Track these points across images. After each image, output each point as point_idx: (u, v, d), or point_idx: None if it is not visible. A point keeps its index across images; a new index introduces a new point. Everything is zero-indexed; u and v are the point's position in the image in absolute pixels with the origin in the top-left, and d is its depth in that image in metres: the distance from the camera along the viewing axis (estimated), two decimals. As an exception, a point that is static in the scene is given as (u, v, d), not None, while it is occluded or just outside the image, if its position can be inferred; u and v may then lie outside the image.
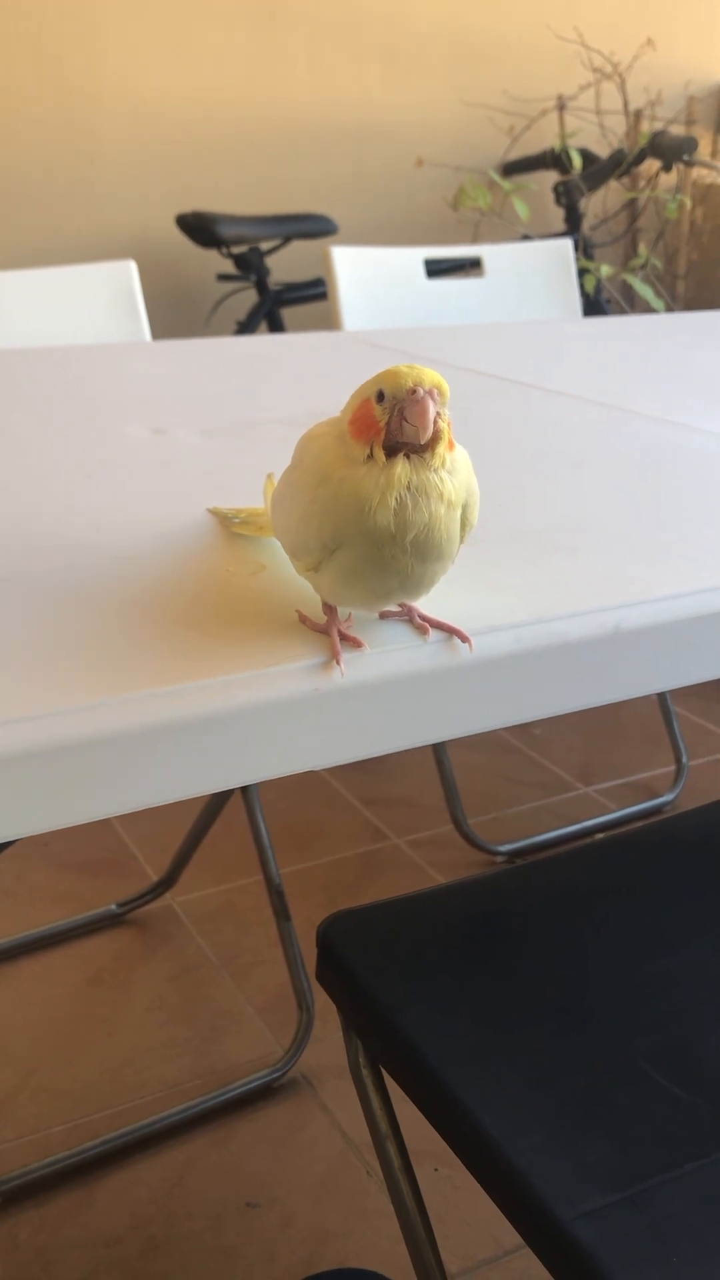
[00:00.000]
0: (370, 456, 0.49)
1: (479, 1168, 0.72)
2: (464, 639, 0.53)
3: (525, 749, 2.14)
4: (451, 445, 0.50)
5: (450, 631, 0.53)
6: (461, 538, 0.52)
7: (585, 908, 0.94)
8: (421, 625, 0.54)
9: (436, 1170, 1.22)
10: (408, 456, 0.49)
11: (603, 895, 0.96)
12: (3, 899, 1.69)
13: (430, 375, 0.49)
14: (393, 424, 0.49)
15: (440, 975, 0.85)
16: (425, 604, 0.55)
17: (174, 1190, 1.23)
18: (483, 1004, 0.83)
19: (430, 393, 0.49)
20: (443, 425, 0.49)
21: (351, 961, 0.85)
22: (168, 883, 1.67)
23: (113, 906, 1.65)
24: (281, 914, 1.40)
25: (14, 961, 1.57)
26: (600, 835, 1.88)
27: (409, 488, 0.49)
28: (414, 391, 0.48)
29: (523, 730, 2.18)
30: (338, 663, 0.50)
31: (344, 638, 0.52)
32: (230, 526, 0.69)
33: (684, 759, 2.01)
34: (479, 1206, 1.19)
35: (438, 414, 0.49)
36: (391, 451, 0.49)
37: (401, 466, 0.49)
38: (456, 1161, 0.73)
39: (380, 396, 0.49)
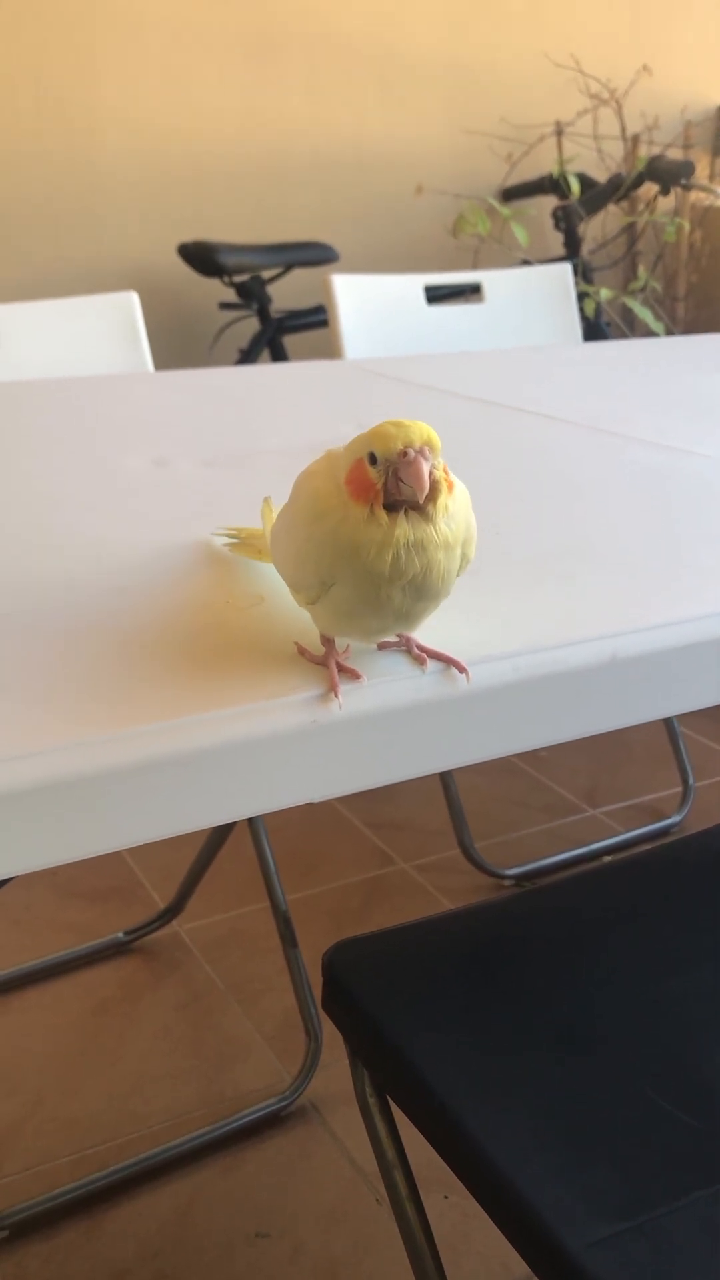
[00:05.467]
0: (372, 515, 0.50)
1: (486, 1197, 0.72)
2: (461, 669, 0.53)
3: (531, 771, 2.13)
4: (451, 487, 0.51)
5: (448, 662, 0.54)
6: (460, 572, 0.52)
7: (592, 933, 0.94)
8: (419, 656, 0.54)
9: (446, 1198, 1.22)
10: (407, 513, 0.50)
11: (609, 920, 0.96)
12: (10, 928, 1.69)
13: (419, 432, 0.49)
14: (389, 485, 0.49)
15: (446, 1002, 0.85)
16: (422, 634, 0.56)
17: (182, 1220, 1.23)
18: (489, 1031, 0.83)
19: (421, 451, 0.49)
20: (439, 476, 0.50)
21: (357, 990, 0.85)
22: (174, 910, 1.67)
23: (119, 934, 1.65)
24: (288, 941, 1.40)
25: (21, 991, 1.57)
26: (607, 858, 1.88)
27: (409, 540, 0.49)
28: (405, 453, 0.49)
29: (528, 753, 2.17)
30: (335, 695, 0.51)
31: (342, 669, 0.52)
32: (227, 547, 0.70)
33: (690, 780, 2.01)
34: (489, 1234, 1.19)
35: (432, 467, 0.49)
36: (391, 508, 0.50)
37: (402, 527, 0.49)
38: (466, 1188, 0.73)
39: (373, 459, 0.50)
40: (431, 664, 0.54)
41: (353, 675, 0.52)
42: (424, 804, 1.99)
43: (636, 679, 0.57)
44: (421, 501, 0.49)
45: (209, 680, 0.52)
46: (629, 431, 1.06)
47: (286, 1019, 1.50)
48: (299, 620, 0.58)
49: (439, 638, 0.55)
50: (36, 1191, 1.25)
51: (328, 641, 0.54)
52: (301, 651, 0.55)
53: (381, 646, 0.56)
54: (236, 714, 0.49)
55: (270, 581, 0.66)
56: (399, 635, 0.55)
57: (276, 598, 0.63)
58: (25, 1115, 1.36)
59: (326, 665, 0.53)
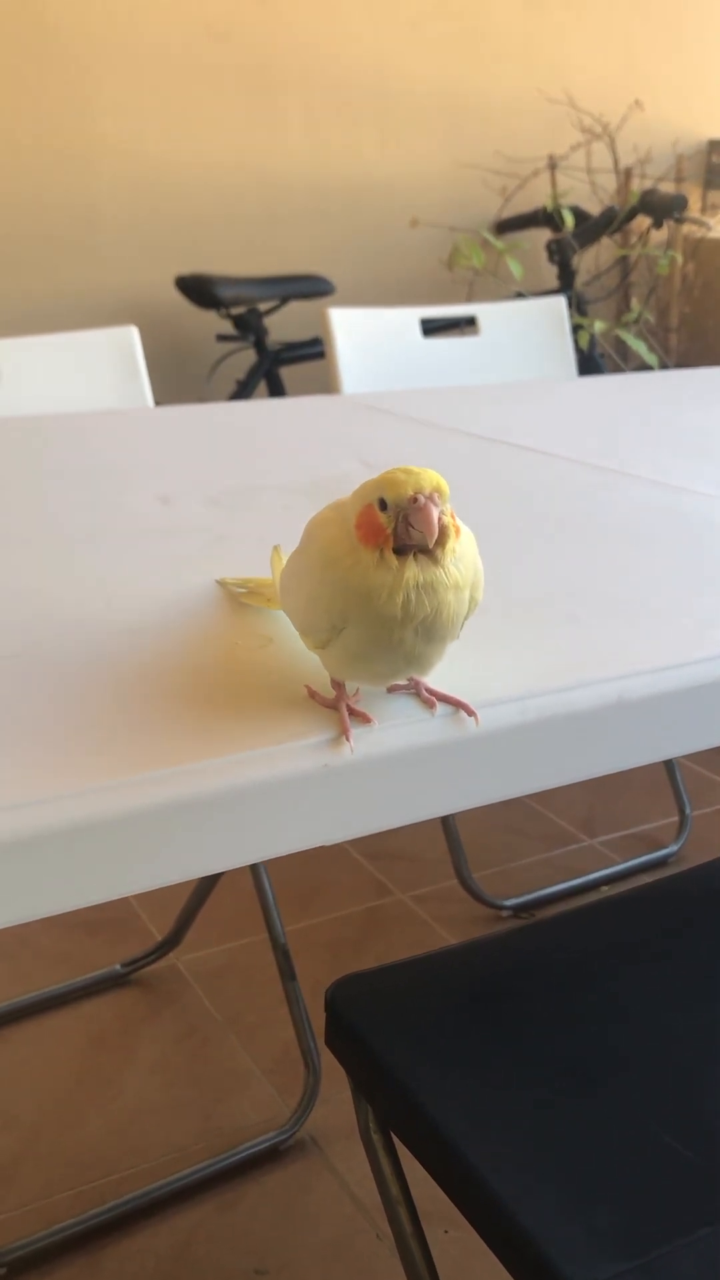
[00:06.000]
0: (382, 559, 0.51)
1: (491, 1233, 0.72)
2: (470, 712, 0.54)
3: (528, 801, 2.14)
4: (458, 532, 0.52)
5: (456, 705, 0.54)
6: (467, 614, 0.53)
7: (593, 967, 0.94)
8: (428, 699, 0.55)
9: (447, 1232, 1.21)
10: (416, 556, 0.51)
11: (610, 955, 0.96)
12: (5, 961, 1.69)
13: (429, 479, 0.51)
14: (399, 530, 0.50)
15: (449, 1038, 0.85)
16: (430, 677, 0.56)
17: (181, 1258, 1.22)
18: (492, 1066, 0.83)
19: (431, 497, 0.50)
20: (447, 521, 0.51)
21: (360, 1026, 0.85)
22: (172, 942, 1.66)
23: (117, 967, 1.65)
24: (287, 973, 1.40)
25: (18, 1024, 1.56)
26: (605, 888, 1.88)
27: (419, 582, 0.50)
28: (415, 499, 0.50)
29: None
30: (347, 739, 0.51)
31: (353, 713, 0.53)
32: (238, 597, 0.71)
33: (687, 809, 2.01)
34: (491, 1269, 1.18)
35: (441, 513, 0.50)
36: (401, 552, 0.51)
37: (411, 569, 0.50)
38: (467, 1223, 0.73)
39: (383, 504, 0.51)
40: (440, 707, 0.54)
41: (364, 719, 0.53)
42: (421, 834, 1.99)
43: (643, 721, 0.58)
44: (431, 546, 0.50)
45: (220, 724, 0.53)
46: (629, 469, 1.07)
47: (285, 1052, 1.49)
48: (308, 663, 0.59)
49: (447, 681, 0.56)
50: (35, 1228, 1.24)
51: (338, 685, 0.55)
52: (312, 695, 0.55)
53: (391, 689, 0.56)
54: (249, 758, 0.49)
55: (278, 623, 0.67)
56: (408, 678, 0.56)
57: (284, 639, 0.63)
58: (23, 1150, 1.35)
59: (338, 709, 0.53)
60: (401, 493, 0.50)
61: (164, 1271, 1.21)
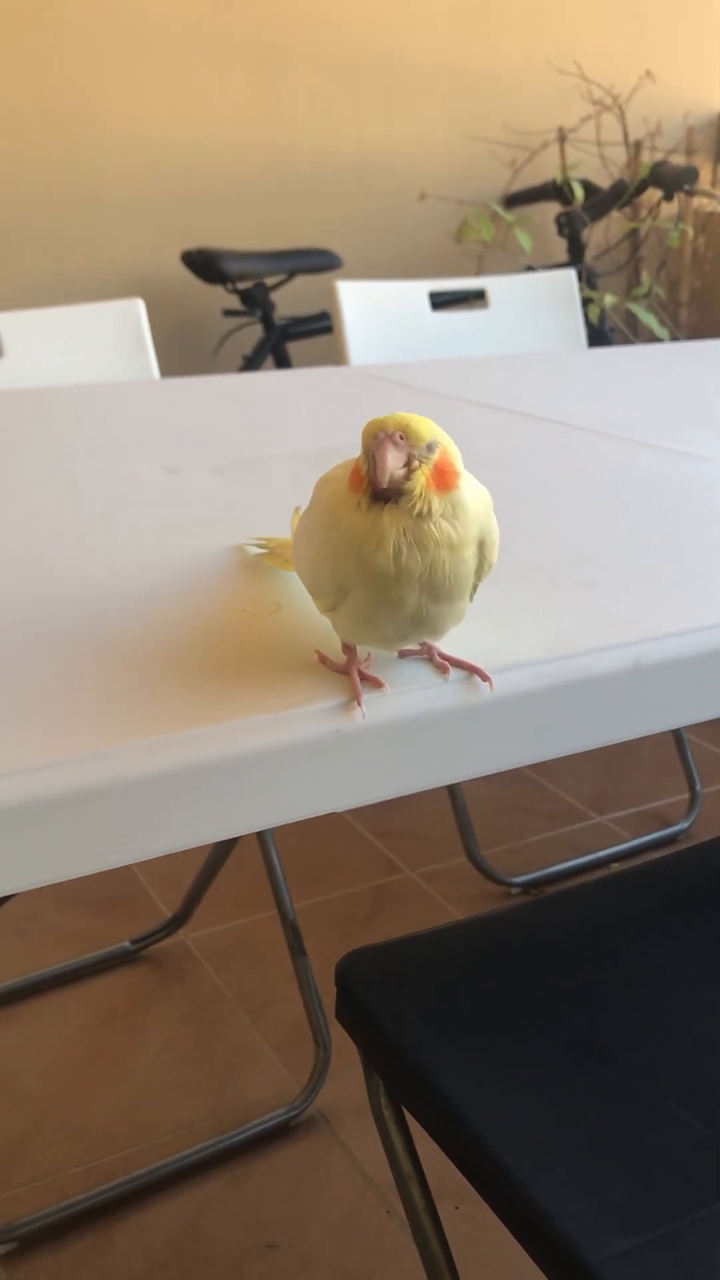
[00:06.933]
0: (359, 506, 0.49)
1: (504, 1208, 0.71)
2: (484, 677, 0.53)
3: (538, 778, 2.13)
4: (449, 485, 0.50)
5: (470, 670, 0.53)
6: (481, 577, 0.52)
7: (604, 942, 0.93)
8: (441, 664, 0.54)
9: (457, 1208, 1.21)
10: (397, 503, 0.49)
11: (621, 929, 0.95)
12: (14, 938, 1.68)
13: (396, 419, 0.49)
14: (369, 474, 0.49)
15: (461, 1012, 0.85)
16: (443, 642, 0.55)
17: (191, 1233, 1.22)
18: (504, 1040, 0.82)
19: (391, 437, 0.48)
20: (418, 466, 0.49)
21: (371, 1000, 0.84)
22: (181, 919, 1.66)
23: (126, 944, 1.65)
24: (296, 949, 1.40)
25: (26, 1002, 1.56)
26: (615, 865, 1.87)
27: (405, 534, 0.49)
28: (375, 437, 0.48)
29: (534, 760, 2.16)
30: (359, 704, 0.50)
31: (364, 678, 0.52)
32: (260, 559, 0.70)
33: (697, 786, 2.00)
34: (502, 1245, 1.18)
35: (411, 456, 0.48)
36: (376, 498, 0.49)
37: (389, 516, 0.49)
38: (477, 1199, 0.73)
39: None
40: (454, 672, 0.53)
41: (375, 684, 0.51)
42: (430, 811, 1.98)
43: (660, 686, 0.56)
44: (384, 487, 0.48)
45: (230, 690, 0.51)
46: (641, 437, 1.05)
47: (295, 1028, 1.49)
48: (319, 628, 0.57)
49: (461, 646, 0.55)
50: (45, 1203, 1.24)
51: (349, 649, 0.54)
52: (323, 660, 0.54)
53: (403, 654, 0.55)
54: (259, 723, 0.48)
55: (287, 589, 0.65)
56: (421, 643, 0.55)
57: (295, 605, 0.62)
58: (32, 1127, 1.35)
59: (348, 674, 0.52)
60: (369, 433, 0.49)
61: (174, 1246, 1.20)
